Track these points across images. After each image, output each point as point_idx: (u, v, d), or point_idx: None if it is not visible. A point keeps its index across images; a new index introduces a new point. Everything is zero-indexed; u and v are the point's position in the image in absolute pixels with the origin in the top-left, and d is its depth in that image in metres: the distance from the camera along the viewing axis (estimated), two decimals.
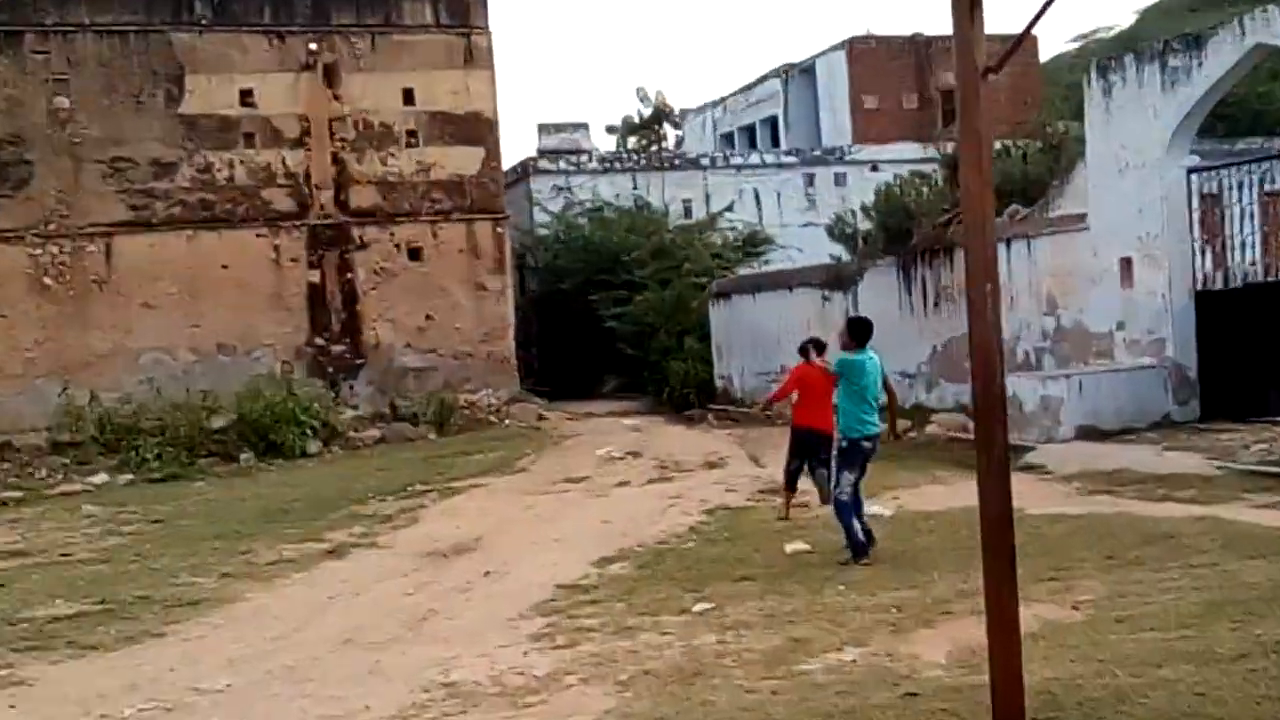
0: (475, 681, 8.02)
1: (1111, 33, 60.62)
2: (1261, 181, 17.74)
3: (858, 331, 10.91)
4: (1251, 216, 17.77)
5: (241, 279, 28.25)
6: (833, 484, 11.05)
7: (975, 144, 4.00)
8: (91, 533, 16.15)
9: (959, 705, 6.46)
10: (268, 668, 8.85)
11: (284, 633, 9.92)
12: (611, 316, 30.67)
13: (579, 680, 7.81)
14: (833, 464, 11.33)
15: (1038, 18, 3.90)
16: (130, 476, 22.31)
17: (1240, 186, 17.77)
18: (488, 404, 28.84)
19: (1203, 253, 17.84)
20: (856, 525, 10.54)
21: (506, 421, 27.65)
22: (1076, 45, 60.59)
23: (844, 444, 10.73)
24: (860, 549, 10.47)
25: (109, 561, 13.73)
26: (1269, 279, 17.63)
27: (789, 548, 11.19)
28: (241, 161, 28.47)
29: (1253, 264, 17.77)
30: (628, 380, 32.20)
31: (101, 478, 22.24)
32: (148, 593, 11.66)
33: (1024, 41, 3.82)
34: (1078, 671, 6.90)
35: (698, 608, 9.40)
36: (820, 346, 13.01)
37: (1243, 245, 17.90)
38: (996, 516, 3.97)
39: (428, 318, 29.57)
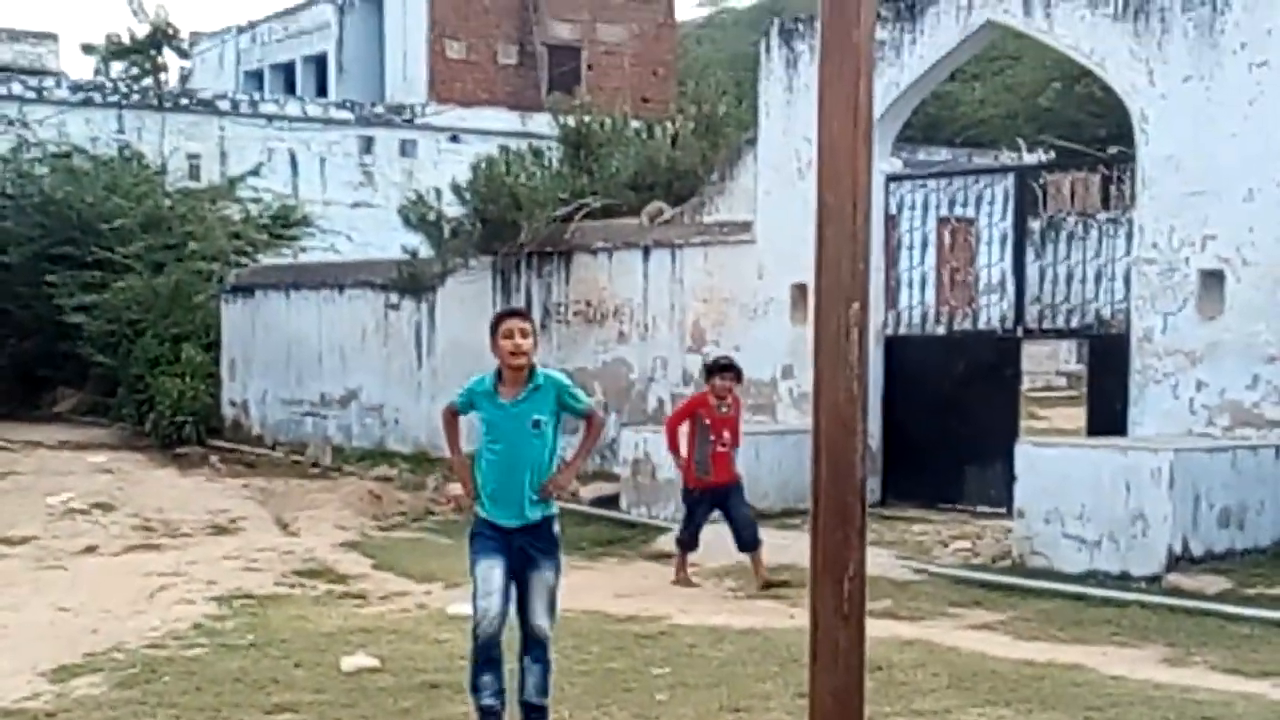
0: None
1: (747, 3, 63.24)
2: (938, 205, 18.21)
3: None
4: (926, 247, 18.21)
5: None
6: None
7: (852, 67, 3.25)
8: None
9: None
10: None
11: None
12: (77, 308, 29.02)
13: None
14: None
15: None
16: None
17: (923, 207, 18.18)
18: None
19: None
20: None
21: None
22: (705, 14, 62.96)
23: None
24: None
25: None
26: (950, 328, 18.12)
27: (347, 663, 10.13)
28: None
29: (923, 308, 18.23)
30: (96, 399, 30.25)
31: None
32: None
33: None
34: None
35: None
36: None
37: (922, 283, 18.32)
38: (839, 691, 3.18)
39: None
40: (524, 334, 7.84)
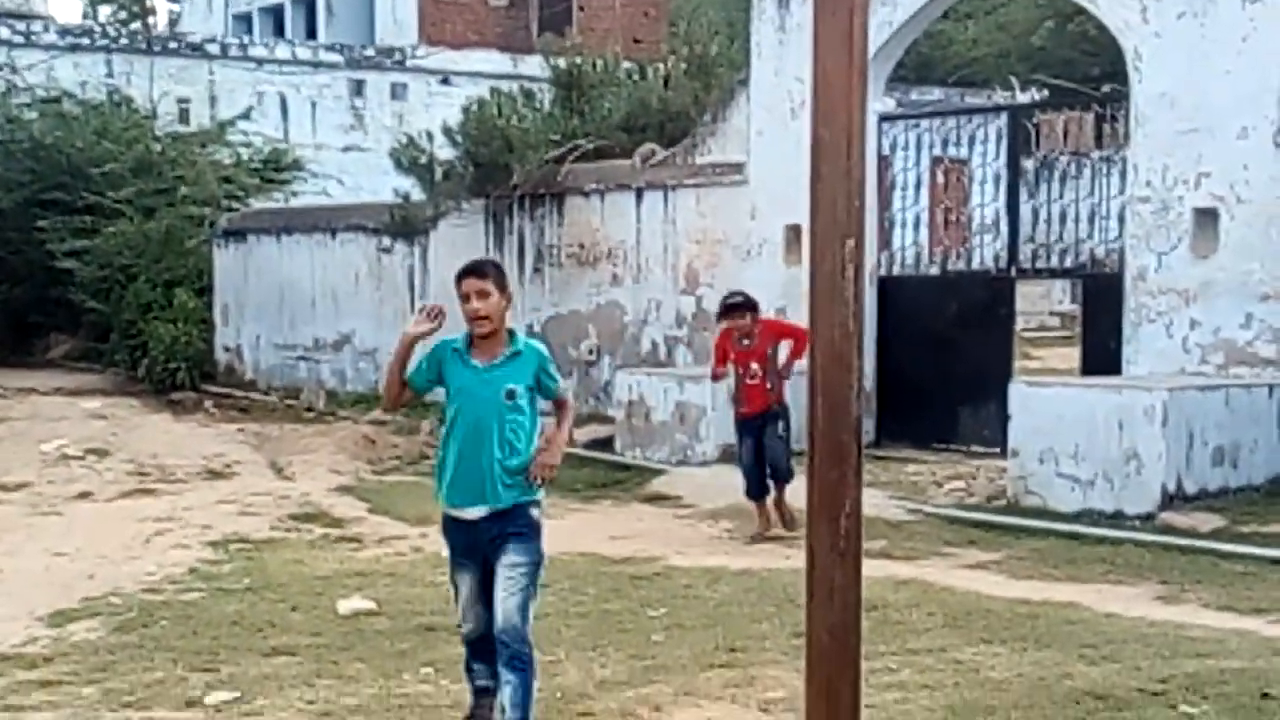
0: None
1: None
2: (931, 145, 18.17)
3: None
4: (919, 187, 18.18)
5: None
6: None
7: (848, 3, 3.20)
8: None
9: None
10: None
11: None
12: (69, 253, 28.82)
13: None
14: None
15: None
16: None
17: (916, 147, 18.14)
18: None
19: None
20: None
21: None
22: None
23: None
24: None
25: None
26: (943, 269, 18.12)
27: (344, 606, 10.14)
28: None
29: (916, 249, 18.22)
30: (88, 345, 30.15)
31: None
32: None
33: None
34: None
35: (212, 698, 8.20)
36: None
37: (915, 224, 18.30)
38: (837, 635, 3.26)
39: None
40: (482, 294, 6.63)
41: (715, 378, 13.74)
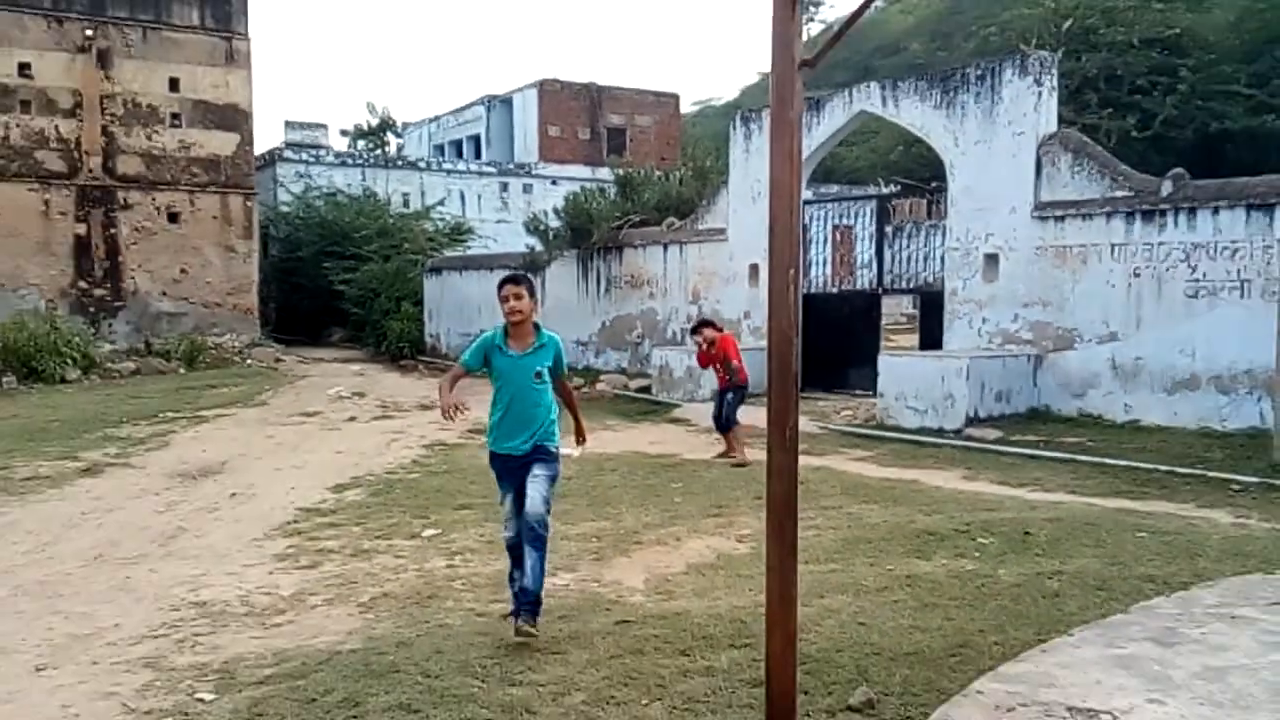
0: (224, 601, 6.65)
1: (721, 101, 62.37)
2: (832, 218, 18.04)
3: None
4: (826, 242, 18.07)
5: (12, 226, 24.89)
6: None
7: (788, 135, 3.18)
8: None
9: (665, 631, 5.69)
10: (17, 583, 7.13)
11: (35, 548, 8.12)
12: (341, 282, 28.79)
13: (323, 601, 6.58)
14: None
15: (862, 9, 3.03)
16: None
17: (824, 219, 18.01)
18: (232, 346, 26.48)
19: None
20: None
21: (248, 362, 25.39)
22: (696, 108, 62.04)
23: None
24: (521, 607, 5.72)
25: None
26: (840, 289, 18.02)
27: None
28: (17, 125, 24.97)
29: (825, 277, 18.12)
30: (352, 334, 30.30)
31: None
32: None
33: (842, 35, 2.97)
34: (759, 601, 6.26)
35: (426, 533, 8.29)
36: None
37: (824, 263, 18.20)
38: (784, 497, 3.17)
39: (182, 271, 26.94)
40: (518, 297, 5.72)
41: (701, 366, 13.00)
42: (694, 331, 12.40)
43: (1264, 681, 4.20)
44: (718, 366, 12.00)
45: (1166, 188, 12.92)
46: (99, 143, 25.86)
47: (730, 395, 11.78)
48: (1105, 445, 11.89)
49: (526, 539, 5.63)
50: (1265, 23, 26.42)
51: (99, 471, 11.40)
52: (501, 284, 5.82)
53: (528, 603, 5.60)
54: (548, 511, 5.69)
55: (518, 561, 5.85)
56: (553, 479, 5.80)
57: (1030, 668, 4.47)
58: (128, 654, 5.70)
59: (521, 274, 6.05)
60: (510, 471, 5.85)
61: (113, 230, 26.13)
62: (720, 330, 12.45)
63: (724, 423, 11.82)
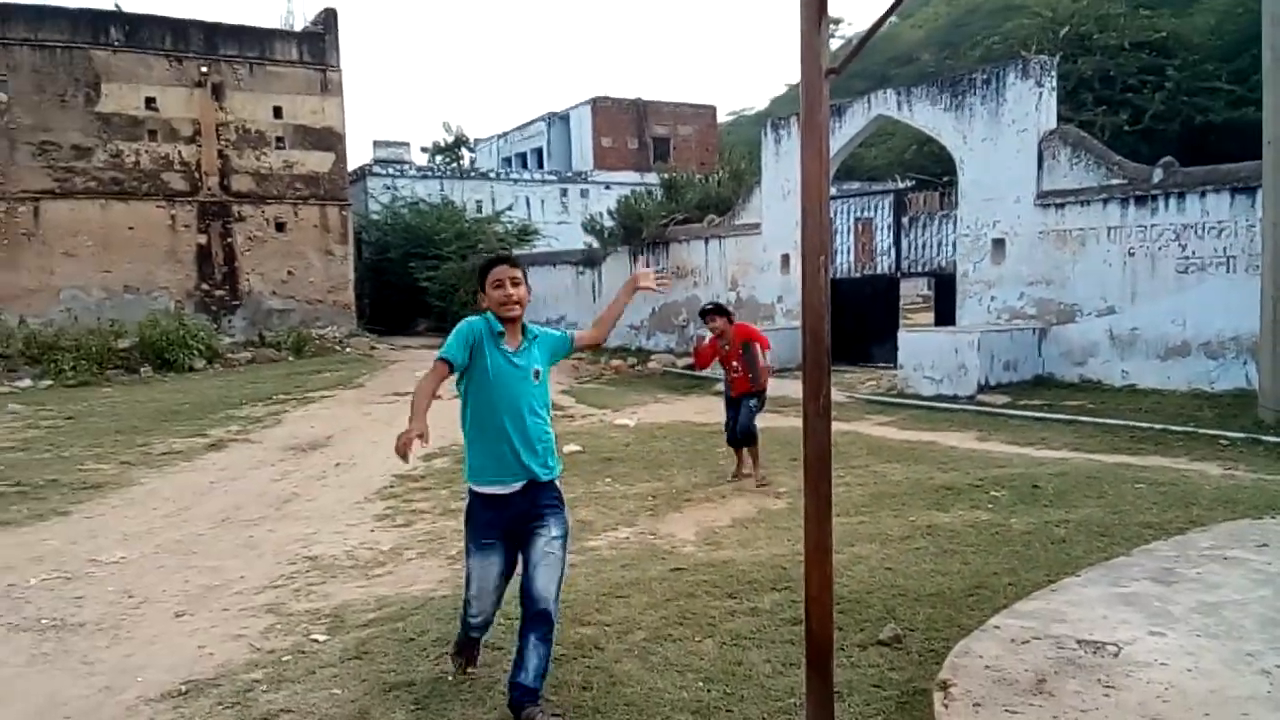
0: (333, 555, 6.76)
1: (753, 111, 61.76)
2: (854, 211, 17.82)
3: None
4: (849, 232, 17.86)
5: (144, 238, 25.44)
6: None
7: (817, 135, 3.11)
8: (14, 426, 13.68)
9: (714, 577, 5.69)
10: (158, 542, 7.31)
11: (172, 512, 8.31)
12: (425, 279, 28.97)
13: (417, 554, 6.67)
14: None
15: (880, 21, 2.95)
16: (50, 382, 19.37)
17: (847, 212, 17.79)
18: (333, 337, 26.85)
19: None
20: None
21: (347, 350, 25.67)
22: (731, 118, 61.43)
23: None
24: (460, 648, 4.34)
25: (26, 450, 11.51)
26: (862, 274, 17.80)
27: (566, 449, 10.07)
28: (146, 151, 25.44)
29: (848, 264, 17.91)
30: (436, 324, 30.53)
31: (25, 383, 19.22)
32: (57, 477, 9.71)
33: (863, 46, 2.90)
34: (797, 550, 6.23)
35: None
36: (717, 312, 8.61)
37: (846, 251, 17.99)
38: (818, 457, 3.11)
39: (289, 273, 27.33)
40: (515, 283, 4.00)
41: (699, 369, 8.85)
42: (703, 314, 8.67)
43: (1254, 614, 4.10)
44: (734, 364, 8.55)
45: (1157, 175, 12.58)
46: (215, 164, 26.31)
47: (753, 401, 8.58)
48: (1105, 407, 11.66)
49: (534, 628, 3.80)
50: (1243, 25, 25.58)
51: (223, 446, 11.63)
52: (491, 264, 4.07)
53: (530, 693, 3.78)
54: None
55: (472, 651, 4.23)
56: (566, 537, 3.97)
57: (1041, 605, 4.40)
58: (252, 602, 5.83)
59: (515, 256, 4.40)
60: (502, 522, 3.91)
61: (229, 240, 26.60)
62: (732, 320, 8.65)
63: (745, 434, 8.57)
